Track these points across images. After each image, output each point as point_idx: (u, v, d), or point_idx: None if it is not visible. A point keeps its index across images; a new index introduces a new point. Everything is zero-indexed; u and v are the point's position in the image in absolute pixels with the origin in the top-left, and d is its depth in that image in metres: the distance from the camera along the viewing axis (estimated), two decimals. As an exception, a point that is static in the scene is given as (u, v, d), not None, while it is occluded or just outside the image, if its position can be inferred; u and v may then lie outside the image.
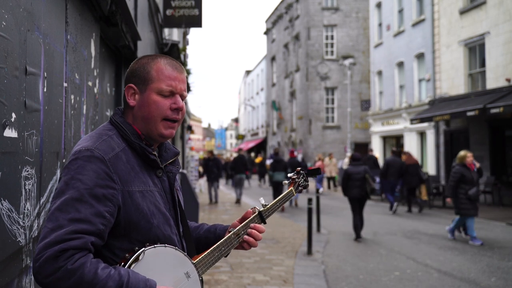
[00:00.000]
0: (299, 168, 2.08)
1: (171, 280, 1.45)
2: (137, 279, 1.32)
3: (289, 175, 2.04)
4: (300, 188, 2.04)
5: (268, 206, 1.82)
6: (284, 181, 2.04)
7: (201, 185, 21.71)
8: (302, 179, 2.05)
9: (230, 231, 1.71)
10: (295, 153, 16.56)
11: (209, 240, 1.75)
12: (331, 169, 21.79)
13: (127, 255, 1.41)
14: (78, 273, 1.26)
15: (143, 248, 1.41)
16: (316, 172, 2.06)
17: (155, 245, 1.44)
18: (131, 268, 1.37)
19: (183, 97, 1.58)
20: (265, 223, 1.79)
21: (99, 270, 1.29)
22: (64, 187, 1.36)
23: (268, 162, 24.82)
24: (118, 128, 1.53)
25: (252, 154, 44.87)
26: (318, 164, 20.60)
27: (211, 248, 1.63)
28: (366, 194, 9.34)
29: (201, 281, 1.58)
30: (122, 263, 1.38)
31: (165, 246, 1.47)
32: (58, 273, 1.25)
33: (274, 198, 14.83)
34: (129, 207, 1.43)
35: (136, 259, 1.38)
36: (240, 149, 19.19)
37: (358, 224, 9.32)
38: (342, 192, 10.22)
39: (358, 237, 9.26)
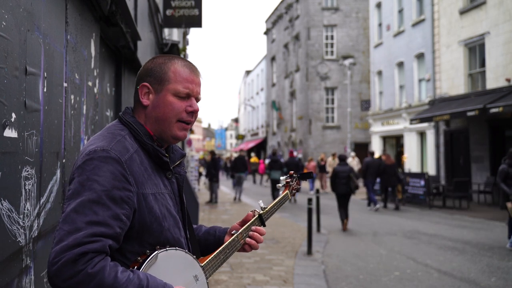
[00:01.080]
0: (292, 172, 2.11)
1: (182, 283, 1.46)
2: (155, 283, 1.31)
3: (282, 178, 2.06)
4: (294, 191, 2.08)
5: (267, 209, 1.85)
6: (278, 185, 2.07)
7: (206, 183, 21.95)
8: (295, 183, 2.08)
9: (233, 234, 1.72)
10: (295, 153, 17.13)
11: (208, 242, 1.76)
12: None
13: (139, 258, 1.40)
14: (98, 277, 1.24)
15: (156, 251, 1.40)
16: (308, 176, 2.10)
17: (167, 248, 1.43)
18: (145, 271, 1.36)
19: (198, 100, 1.57)
20: (264, 225, 1.81)
21: (119, 274, 1.27)
22: (80, 188, 1.32)
23: (267, 161, 25.64)
24: (130, 128, 1.50)
25: (252, 154, 44.87)
26: (307, 164, 20.50)
27: (217, 251, 1.64)
28: (350, 190, 10.54)
29: (207, 284, 1.58)
30: (136, 267, 1.37)
31: (176, 249, 1.46)
32: (78, 276, 1.23)
33: (273, 194, 15.19)
34: (143, 209, 1.41)
35: (150, 262, 1.37)
36: (241, 150, 19.81)
37: (343, 216, 10.62)
38: (331, 188, 11.61)
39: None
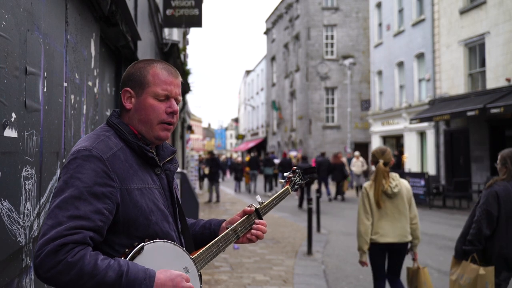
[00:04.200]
0: (295, 167, 2.13)
1: None
2: (136, 268, 1.36)
3: (285, 174, 2.10)
4: (296, 186, 2.10)
5: (264, 204, 1.88)
6: (280, 180, 2.11)
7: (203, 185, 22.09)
8: (298, 178, 2.11)
9: (228, 228, 1.75)
10: (293, 153, 21.12)
11: (204, 236, 1.80)
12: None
13: (127, 250, 1.44)
14: (78, 265, 1.30)
15: (142, 243, 1.44)
16: (312, 171, 2.12)
17: (154, 241, 1.47)
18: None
19: (177, 101, 1.63)
20: (261, 219, 1.84)
21: (98, 261, 1.32)
22: (64, 185, 1.40)
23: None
24: (115, 128, 1.58)
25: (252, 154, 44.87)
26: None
27: (209, 244, 1.67)
28: (311, 181, 14.07)
29: (200, 276, 1.61)
30: (122, 258, 1.41)
31: (164, 241, 1.50)
32: (59, 266, 1.29)
33: (265, 186, 16.05)
34: (128, 204, 1.47)
35: (136, 253, 1.41)
36: (251, 150, 23.16)
37: (302, 200, 14.61)
38: None
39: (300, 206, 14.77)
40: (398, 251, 4.29)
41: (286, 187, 2.04)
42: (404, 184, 4.31)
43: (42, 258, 1.29)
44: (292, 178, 2.08)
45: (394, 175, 4.28)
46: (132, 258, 1.41)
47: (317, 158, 18.58)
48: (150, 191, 1.54)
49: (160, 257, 1.47)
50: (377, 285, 4.49)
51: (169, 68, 1.63)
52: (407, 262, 4.78)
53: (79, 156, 1.44)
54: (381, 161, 4.25)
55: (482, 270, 3.61)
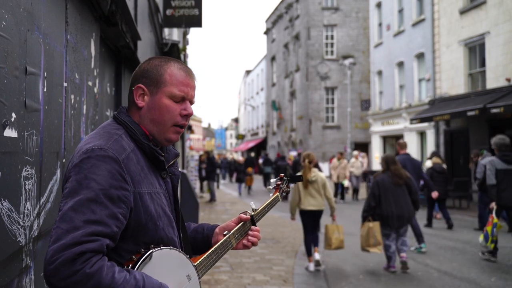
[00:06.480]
0: (283, 175, 2.17)
1: (175, 282, 1.46)
2: (151, 284, 1.32)
3: (272, 180, 2.15)
4: (284, 194, 2.16)
5: (258, 211, 1.91)
6: (268, 187, 2.16)
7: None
8: (285, 185, 2.16)
9: (225, 234, 1.75)
10: (293, 153, 23.75)
11: (196, 240, 1.78)
12: (339, 173, 17.07)
13: (133, 256, 1.40)
14: (96, 277, 1.23)
15: (151, 250, 1.40)
16: (298, 179, 2.18)
17: (161, 247, 1.44)
18: (140, 270, 1.36)
19: (192, 103, 1.58)
20: (255, 225, 1.87)
21: (116, 274, 1.26)
22: (77, 186, 1.32)
23: (261, 160, 30.40)
24: (126, 127, 1.51)
25: (252, 154, 44.85)
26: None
27: (210, 251, 1.66)
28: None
29: (200, 283, 1.60)
30: (131, 265, 1.37)
31: (170, 248, 1.47)
32: (76, 276, 1.22)
33: (265, 184, 16.53)
34: (139, 209, 1.42)
35: (145, 261, 1.38)
36: (251, 150, 25.71)
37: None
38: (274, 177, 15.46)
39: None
40: (317, 215, 6.84)
41: (276, 194, 2.08)
42: (320, 175, 6.74)
43: (57, 266, 1.21)
44: (281, 186, 2.13)
45: (314, 170, 6.77)
46: (141, 267, 1.36)
47: (295, 158, 21.17)
48: (158, 195, 1.50)
49: (166, 264, 1.45)
50: (306, 237, 6.87)
51: (186, 69, 1.57)
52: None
53: (93, 156, 1.35)
54: (307, 160, 6.69)
55: (371, 224, 6.42)
